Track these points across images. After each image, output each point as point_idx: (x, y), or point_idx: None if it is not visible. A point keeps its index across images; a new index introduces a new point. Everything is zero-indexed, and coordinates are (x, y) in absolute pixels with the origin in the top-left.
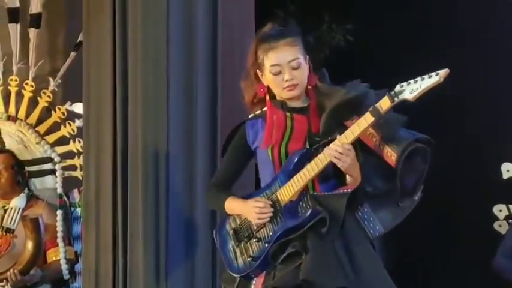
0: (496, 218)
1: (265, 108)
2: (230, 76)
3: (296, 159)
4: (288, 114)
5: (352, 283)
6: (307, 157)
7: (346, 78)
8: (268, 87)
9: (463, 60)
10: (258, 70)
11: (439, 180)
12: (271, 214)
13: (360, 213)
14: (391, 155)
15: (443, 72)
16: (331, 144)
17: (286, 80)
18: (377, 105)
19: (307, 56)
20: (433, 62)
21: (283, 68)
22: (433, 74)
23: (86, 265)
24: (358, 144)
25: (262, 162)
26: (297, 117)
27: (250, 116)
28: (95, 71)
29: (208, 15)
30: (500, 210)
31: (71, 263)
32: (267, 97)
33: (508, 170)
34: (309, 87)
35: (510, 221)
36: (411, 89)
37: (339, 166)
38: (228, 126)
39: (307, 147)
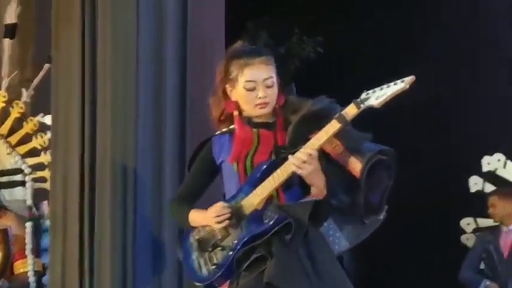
0: (463, 231)
1: (232, 126)
2: (200, 89)
3: (262, 169)
4: (254, 130)
5: None
6: (273, 167)
7: (316, 89)
8: (236, 104)
9: (431, 73)
10: (227, 85)
11: (408, 194)
12: (228, 215)
13: (325, 230)
14: (355, 165)
15: (409, 79)
16: (296, 153)
17: (260, 97)
18: (343, 112)
19: (277, 76)
20: (403, 72)
21: (257, 85)
22: (399, 81)
23: (52, 278)
24: (322, 156)
25: (228, 176)
26: (264, 132)
27: (217, 133)
28: (64, 83)
29: (178, 27)
30: (468, 224)
31: (39, 275)
32: (235, 112)
33: (475, 183)
34: (276, 106)
35: (477, 234)
36: (377, 96)
37: (299, 173)
38: (196, 139)
39: (273, 158)
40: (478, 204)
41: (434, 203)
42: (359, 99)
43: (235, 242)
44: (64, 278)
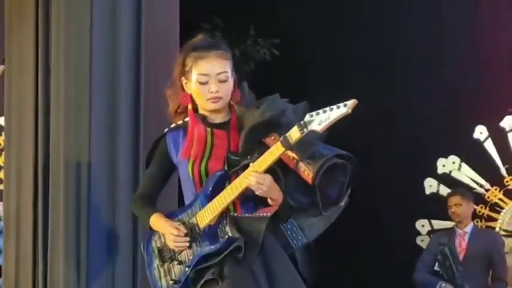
0: (419, 233)
1: (187, 119)
2: (154, 90)
3: (214, 182)
4: (208, 129)
5: None
6: (225, 179)
7: (271, 92)
8: (191, 97)
9: (390, 77)
10: (183, 77)
11: (363, 195)
12: (186, 244)
13: (284, 224)
14: (307, 173)
15: (351, 103)
16: (245, 172)
17: (212, 92)
18: (287, 135)
19: (234, 72)
20: (358, 79)
21: (210, 78)
22: (341, 104)
23: (6, 279)
24: (279, 163)
25: (184, 179)
26: (217, 132)
27: (171, 126)
28: (17, 84)
29: (132, 27)
30: (423, 226)
31: None
32: (189, 106)
33: (430, 186)
34: (232, 103)
35: (432, 235)
36: (320, 120)
37: (257, 193)
38: (150, 135)
39: (226, 168)
40: (433, 206)
41: (390, 205)
42: (303, 122)
43: (191, 257)
44: (17, 280)
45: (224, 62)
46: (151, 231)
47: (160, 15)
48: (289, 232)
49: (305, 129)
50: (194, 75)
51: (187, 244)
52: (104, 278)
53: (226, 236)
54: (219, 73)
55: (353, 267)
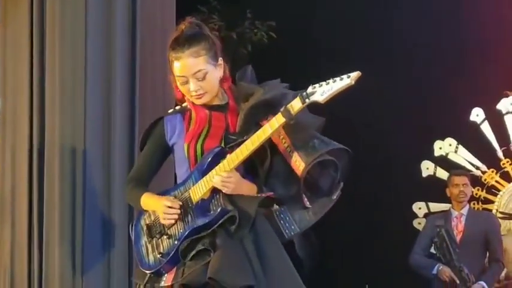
0: (416, 216)
1: (184, 104)
2: (150, 72)
3: (210, 158)
4: (207, 111)
5: (260, 281)
6: (221, 155)
7: (268, 74)
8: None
9: (387, 63)
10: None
11: (360, 178)
12: (176, 216)
13: (277, 212)
14: (299, 164)
15: (355, 74)
16: (217, 168)
17: (191, 91)
18: (288, 106)
19: (220, 58)
20: (355, 61)
21: (188, 79)
22: (345, 76)
23: (1, 264)
24: (269, 145)
25: (179, 159)
26: (215, 114)
27: (169, 111)
28: (12, 65)
29: (128, 9)
30: (420, 208)
31: None
32: (186, 97)
33: (427, 168)
34: (225, 88)
35: (428, 218)
36: (322, 91)
37: (224, 192)
38: (146, 121)
39: (222, 145)
40: (430, 189)
41: (387, 188)
42: (305, 93)
43: (181, 231)
44: (12, 264)
45: (199, 59)
46: (141, 212)
47: None
48: (282, 221)
49: (307, 100)
50: (175, 75)
51: (177, 216)
52: (99, 260)
53: (220, 208)
54: (195, 72)
55: (350, 250)
